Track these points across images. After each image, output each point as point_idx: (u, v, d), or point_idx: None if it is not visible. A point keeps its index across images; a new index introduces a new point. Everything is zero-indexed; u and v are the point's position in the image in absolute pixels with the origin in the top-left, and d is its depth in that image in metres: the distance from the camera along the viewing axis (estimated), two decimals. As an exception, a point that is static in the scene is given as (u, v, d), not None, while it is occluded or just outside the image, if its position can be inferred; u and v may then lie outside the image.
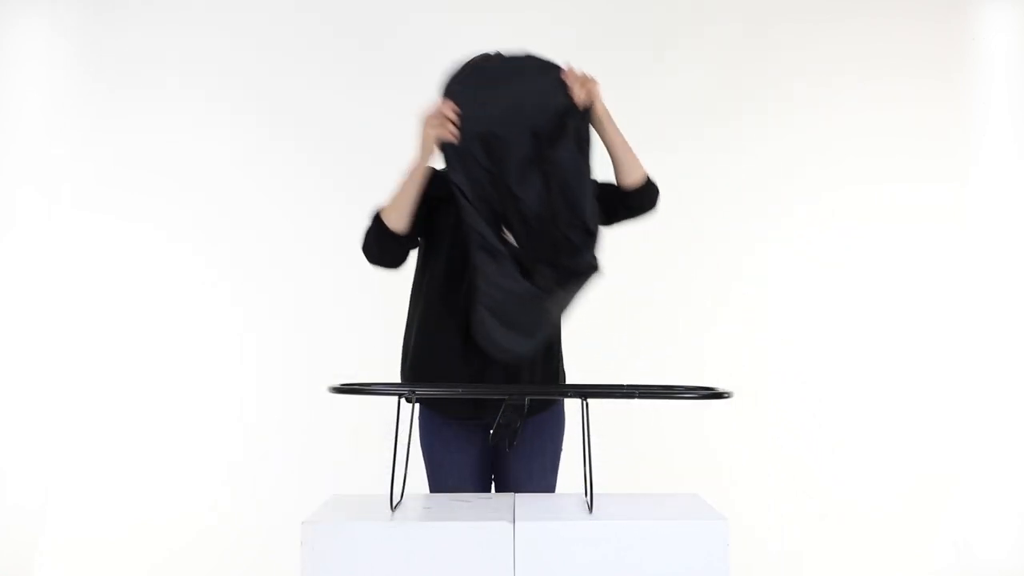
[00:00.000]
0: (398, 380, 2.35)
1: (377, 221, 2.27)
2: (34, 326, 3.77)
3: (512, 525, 1.77)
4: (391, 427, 1.96)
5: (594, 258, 2.23)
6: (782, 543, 3.82)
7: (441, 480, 2.32)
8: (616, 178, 2.33)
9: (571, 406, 2.37)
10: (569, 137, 2.21)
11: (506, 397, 2.00)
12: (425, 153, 2.21)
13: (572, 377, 2.44)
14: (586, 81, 2.21)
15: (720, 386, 1.99)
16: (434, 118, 2.18)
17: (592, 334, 2.57)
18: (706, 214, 3.95)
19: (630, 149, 2.32)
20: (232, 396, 3.88)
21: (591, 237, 2.22)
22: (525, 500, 2.03)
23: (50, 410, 3.81)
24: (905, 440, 3.93)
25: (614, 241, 3.61)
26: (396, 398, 1.99)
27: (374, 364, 3.12)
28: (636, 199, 2.34)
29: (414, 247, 2.34)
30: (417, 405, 2.32)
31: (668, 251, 3.93)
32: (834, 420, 3.92)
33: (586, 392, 1.98)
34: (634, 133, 3.91)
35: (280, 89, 3.93)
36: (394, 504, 1.93)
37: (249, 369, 3.89)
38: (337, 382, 2.04)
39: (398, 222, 2.24)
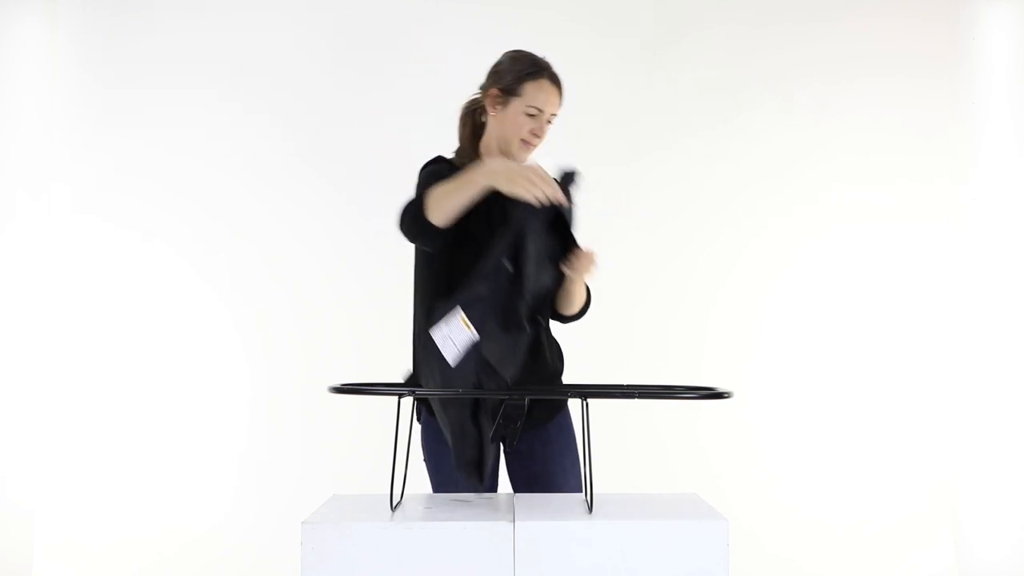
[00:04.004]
0: (399, 379, 2.34)
1: (418, 206, 2.13)
2: (34, 329, 3.76)
3: (512, 525, 1.77)
4: (391, 427, 1.96)
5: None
6: (780, 545, 3.82)
7: (444, 487, 2.31)
8: (556, 302, 2.36)
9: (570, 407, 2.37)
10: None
11: (506, 397, 1.99)
12: (503, 186, 2.02)
13: (567, 378, 2.43)
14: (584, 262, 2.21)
15: (719, 386, 1.99)
16: (546, 178, 2.01)
17: (587, 334, 2.56)
18: (704, 213, 3.96)
19: (583, 288, 2.35)
20: (232, 396, 3.89)
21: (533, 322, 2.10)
22: (525, 500, 2.02)
23: (50, 411, 3.81)
24: (904, 441, 3.93)
25: (612, 239, 3.64)
26: (396, 398, 1.99)
27: (374, 364, 3.12)
28: (562, 319, 2.42)
29: (448, 239, 2.17)
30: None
31: (665, 250, 3.94)
32: (831, 421, 3.92)
33: (586, 392, 1.97)
34: (633, 132, 3.96)
35: (280, 90, 3.94)
36: (394, 504, 1.93)
37: (249, 369, 3.90)
38: (337, 382, 2.04)
39: (440, 219, 2.11)
